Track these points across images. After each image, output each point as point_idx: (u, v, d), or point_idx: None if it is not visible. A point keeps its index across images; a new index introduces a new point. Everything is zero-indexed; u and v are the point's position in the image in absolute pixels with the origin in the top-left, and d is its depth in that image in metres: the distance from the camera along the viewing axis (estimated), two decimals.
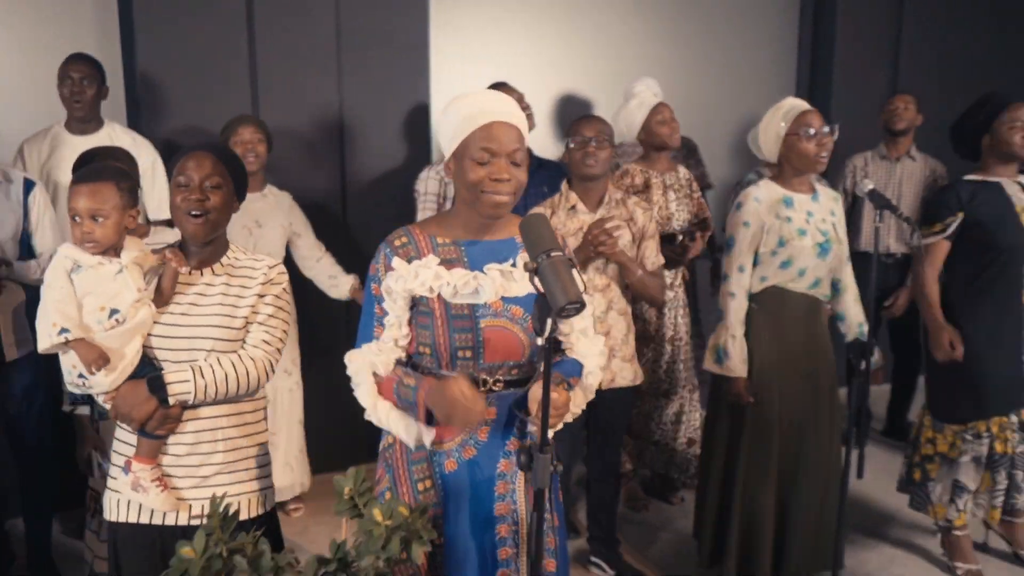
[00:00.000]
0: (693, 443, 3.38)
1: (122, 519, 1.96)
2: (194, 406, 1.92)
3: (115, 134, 3.28)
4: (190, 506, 1.94)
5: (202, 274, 1.98)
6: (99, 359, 1.84)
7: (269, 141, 3.38)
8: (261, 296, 1.97)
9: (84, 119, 3.22)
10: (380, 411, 1.73)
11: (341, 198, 3.95)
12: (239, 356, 1.93)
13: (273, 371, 2.00)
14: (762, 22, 4.96)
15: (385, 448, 1.90)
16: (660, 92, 3.80)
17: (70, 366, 1.89)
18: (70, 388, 1.94)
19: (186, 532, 1.90)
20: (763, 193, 2.70)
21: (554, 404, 1.59)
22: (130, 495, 1.92)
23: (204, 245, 1.98)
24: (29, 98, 3.57)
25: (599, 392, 1.93)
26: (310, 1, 3.75)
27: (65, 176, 3.15)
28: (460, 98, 1.77)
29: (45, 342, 1.86)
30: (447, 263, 1.74)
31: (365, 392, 1.74)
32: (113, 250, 1.94)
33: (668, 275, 3.20)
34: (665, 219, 3.21)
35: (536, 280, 1.46)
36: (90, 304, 1.89)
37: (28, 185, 2.87)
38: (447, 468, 1.76)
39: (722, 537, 2.80)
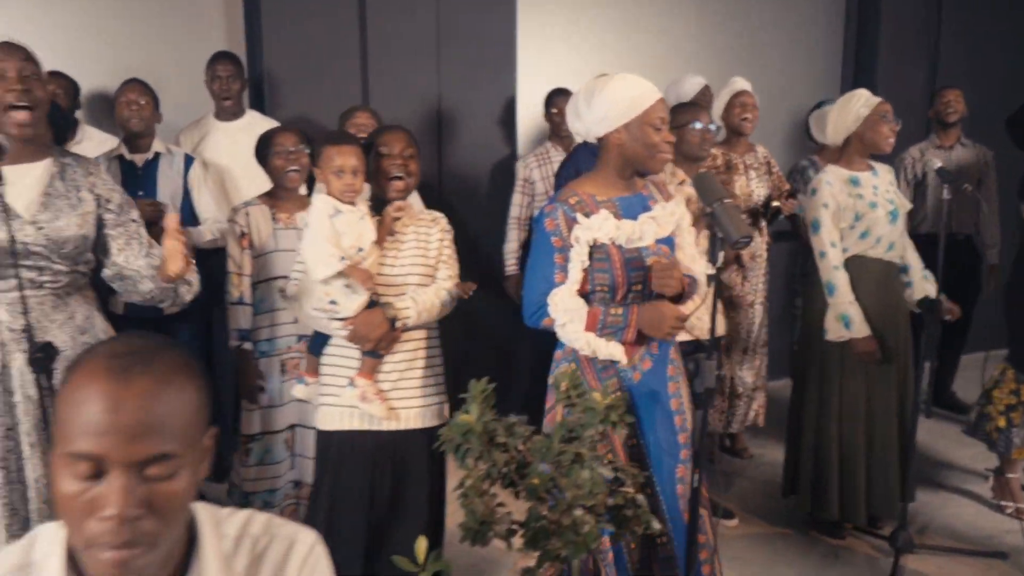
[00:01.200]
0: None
1: (340, 428, 2.38)
2: (406, 329, 2.33)
3: (255, 120, 3.71)
4: (399, 414, 2.37)
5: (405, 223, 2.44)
6: (369, 278, 2.27)
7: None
8: (441, 240, 2.43)
9: (230, 109, 3.65)
10: (588, 340, 2.11)
11: (438, 181, 4.35)
12: (436, 288, 2.38)
13: (456, 301, 2.44)
14: (808, 19, 5.34)
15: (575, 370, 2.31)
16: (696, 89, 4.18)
17: (323, 293, 2.29)
18: (316, 313, 2.34)
19: (394, 436, 2.33)
20: (832, 176, 3.08)
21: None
22: (351, 406, 2.35)
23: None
24: (173, 89, 3.99)
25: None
26: (415, 1, 4.16)
27: (214, 156, 3.60)
28: (618, 80, 2.18)
29: (328, 269, 2.24)
30: (614, 216, 2.14)
31: (576, 327, 2.11)
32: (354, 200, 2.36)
33: (756, 242, 3.58)
34: (747, 196, 3.59)
35: (712, 218, 1.86)
36: (344, 242, 2.30)
37: (188, 160, 3.31)
38: (634, 379, 2.17)
39: (819, 479, 3.13)
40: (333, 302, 2.30)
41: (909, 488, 3.07)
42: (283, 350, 2.91)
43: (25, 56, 1.99)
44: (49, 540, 1.00)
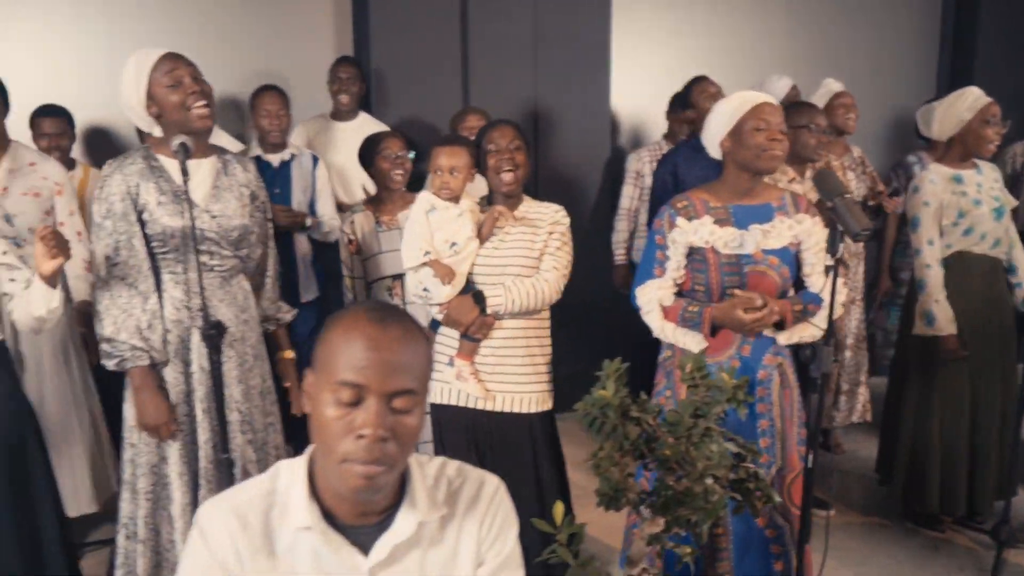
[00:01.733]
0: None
1: (445, 402, 2.57)
2: (501, 317, 2.49)
3: (366, 122, 3.94)
4: (495, 396, 2.53)
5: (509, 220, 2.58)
6: (449, 274, 2.45)
7: None
8: (550, 233, 2.55)
9: (347, 110, 3.89)
10: (667, 329, 2.27)
11: (534, 178, 4.51)
12: (536, 278, 2.51)
13: (560, 292, 2.57)
14: (902, 14, 5.31)
15: (664, 360, 2.44)
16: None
17: (416, 282, 2.49)
18: (412, 299, 2.55)
19: (490, 417, 2.53)
20: (935, 175, 3.11)
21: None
22: (453, 383, 2.53)
23: (508, 197, 2.56)
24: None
25: None
26: (513, 6, 4.33)
27: (328, 154, 3.82)
28: (724, 99, 2.34)
29: (414, 260, 2.46)
30: (719, 222, 2.28)
31: (655, 316, 2.28)
32: (456, 198, 2.54)
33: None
34: None
35: (833, 213, 1.97)
36: (439, 237, 2.50)
37: (314, 160, 3.55)
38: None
39: (917, 473, 3.18)
40: (426, 289, 2.49)
41: (1012, 483, 3.08)
42: None
43: (189, 62, 2.24)
44: (290, 471, 1.19)
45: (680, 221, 2.27)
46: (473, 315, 2.45)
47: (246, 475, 2.25)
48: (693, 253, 2.29)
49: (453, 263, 2.48)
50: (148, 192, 2.21)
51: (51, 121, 3.36)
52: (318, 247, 3.62)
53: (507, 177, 2.51)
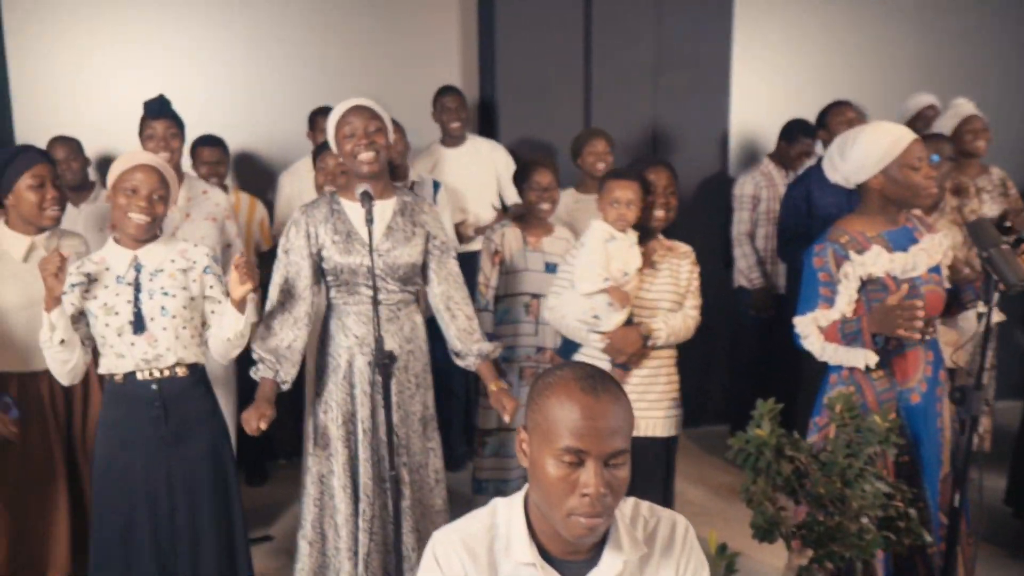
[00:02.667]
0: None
1: None
2: (655, 347, 2.63)
3: (477, 143, 4.12)
4: (639, 424, 2.65)
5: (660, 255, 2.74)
6: (626, 299, 2.58)
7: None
8: (690, 272, 2.70)
9: (456, 135, 4.07)
10: (828, 350, 2.31)
11: None
12: (684, 314, 2.66)
13: (696, 327, 2.68)
14: None
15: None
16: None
17: (587, 308, 2.61)
18: (579, 324, 2.67)
19: (634, 443, 2.63)
20: None
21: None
22: None
23: (651, 233, 2.71)
24: (407, 114, 4.49)
25: None
26: (636, 30, 4.43)
27: (445, 179, 3.96)
28: (870, 129, 2.34)
29: (593, 285, 2.58)
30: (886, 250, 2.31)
31: (813, 340, 2.32)
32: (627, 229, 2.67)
33: None
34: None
35: (989, 263, 2.01)
36: (613, 265, 2.62)
37: (435, 186, 3.75)
38: (912, 400, 2.32)
39: None
40: (596, 316, 2.61)
41: None
42: (522, 359, 3.29)
43: (371, 115, 2.43)
44: (508, 509, 1.35)
45: (852, 255, 2.29)
46: (637, 345, 2.59)
47: (398, 494, 2.38)
48: (868, 283, 2.29)
49: (626, 287, 2.63)
50: (326, 233, 2.44)
51: (210, 150, 3.63)
52: None
53: (659, 214, 2.67)
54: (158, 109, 3.01)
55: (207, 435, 2.35)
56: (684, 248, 2.74)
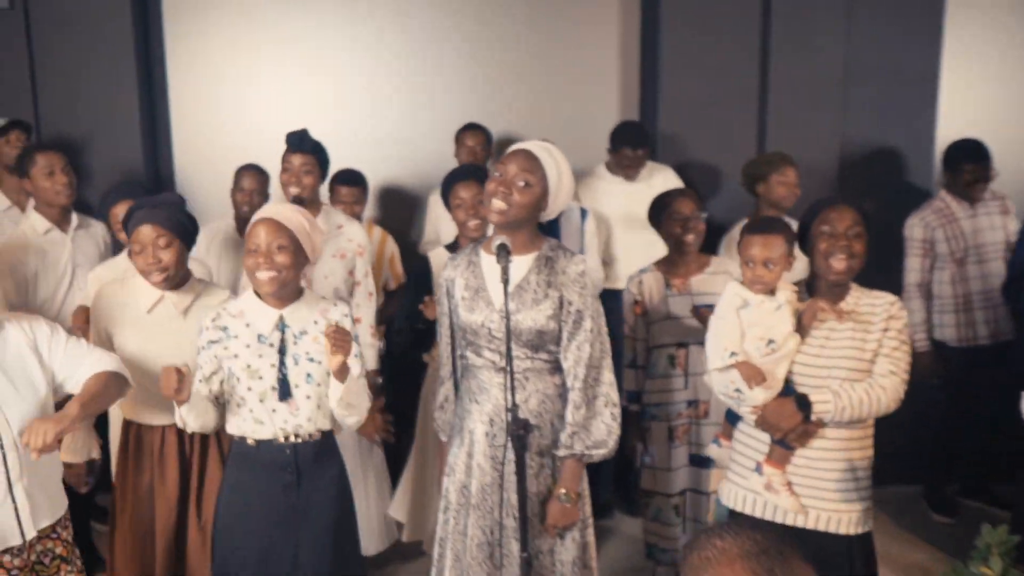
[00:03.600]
0: None
1: (748, 512, 2.28)
2: (825, 424, 2.16)
3: (651, 170, 3.71)
4: (808, 512, 2.20)
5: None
6: (758, 376, 2.16)
7: None
8: (885, 331, 2.17)
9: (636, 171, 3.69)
10: None
11: None
12: (870, 383, 2.14)
13: (900, 400, 2.16)
14: None
15: None
16: None
17: (728, 382, 2.21)
18: (722, 398, 2.28)
19: (801, 534, 2.19)
20: None
21: None
22: (760, 493, 2.25)
23: (835, 286, 2.21)
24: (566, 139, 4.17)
25: None
26: (821, 38, 3.86)
27: (605, 209, 3.63)
28: None
29: (719, 361, 2.21)
30: None
31: None
32: (772, 290, 2.24)
33: None
34: None
35: None
36: (752, 334, 2.21)
37: (583, 213, 3.39)
38: None
39: None
40: (738, 390, 2.20)
41: None
42: (673, 416, 2.90)
43: (528, 165, 2.06)
44: None
45: None
46: (795, 421, 2.16)
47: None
48: None
49: (770, 362, 2.20)
50: (460, 286, 2.18)
51: (347, 189, 3.46)
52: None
53: (839, 266, 2.19)
54: (297, 143, 2.89)
55: (335, 505, 2.22)
56: (878, 300, 2.21)
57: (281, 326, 2.14)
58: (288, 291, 2.14)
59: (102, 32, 3.61)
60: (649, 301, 2.89)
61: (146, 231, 2.24)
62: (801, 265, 2.36)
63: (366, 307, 3.05)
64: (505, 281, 1.93)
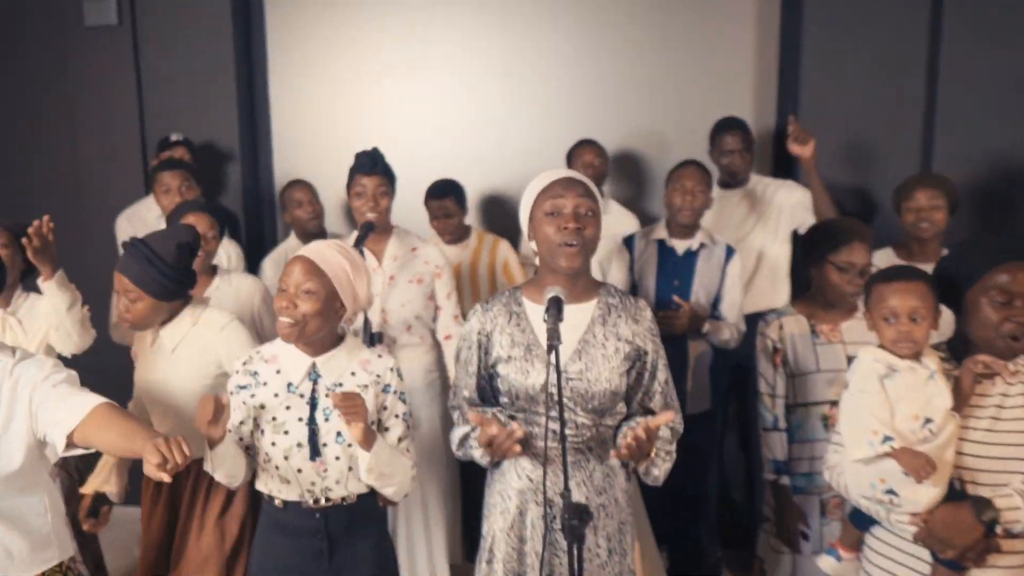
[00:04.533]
0: None
1: None
2: (1017, 536, 1.65)
3: (758, 181, 3.25)
4: None
5: (994, 383, 1.73)
6: (926, 467, 1.66)
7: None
8: None
9: (736, 180, 3.25)
10: None
11: None
12: None
13: None
14: None
15: None
16: None
17: (873, 480, 1.73)
18: (861, 501, 1.79)
19: None
20: None
21: None
22: None
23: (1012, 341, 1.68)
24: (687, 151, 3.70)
25: None
26: (1008, 37, 3.17)
27: (714, 228, 3.16)
28: None
29: (866, 450, 1.74)
30: None
31: None
32: (919, 353, 1.74)
33: None
34: None
35: None
36: (902, 411, 1.72)
37: (729, 252, 2.92)
38: None
39: None
40: (890, 491, 1.70)
41: None
42: (823, 488, 2.37)
43: (584, 189, 1.75)
44: None
45: None
46: (974, 535, 1.67)
47: None
48: None
49: (931, 450, 1.69)
50: (501, 343, 1.82)
51: (439, 203, 3.22)
52: (720, 356, 2.98)
53: (1007, 327, 1.66)
54: (370, 164, 2.64)
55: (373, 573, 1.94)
56: None
57: (313, 375, 1.87)
58: (322, 337, 1.87)
59: (205, 48, 3.57)
60: (792, 351, 2.38)
61: (119, 279, 2.10)
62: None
63: (455, 332, 2.79)
64: (551, 348, 1.54)
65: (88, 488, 2.20)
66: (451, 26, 3.73)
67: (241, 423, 1.89)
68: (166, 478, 1.47)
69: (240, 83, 3.65)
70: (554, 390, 1.71)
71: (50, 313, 2.38)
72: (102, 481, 2.19)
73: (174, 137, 3.40)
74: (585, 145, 3.38)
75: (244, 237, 3.68)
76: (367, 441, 1.76)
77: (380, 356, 1.93)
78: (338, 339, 1.92)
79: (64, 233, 3.56)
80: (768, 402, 2.42)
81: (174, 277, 2.10)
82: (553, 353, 1.55)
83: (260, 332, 2.58)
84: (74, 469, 2.58)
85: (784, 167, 3.54)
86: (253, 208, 3.81)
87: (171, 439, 1.50)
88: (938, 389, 1.70)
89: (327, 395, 1.86)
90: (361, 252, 2.54)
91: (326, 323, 1.85)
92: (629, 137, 3.69)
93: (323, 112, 3.83)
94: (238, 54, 3.62)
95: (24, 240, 2.29)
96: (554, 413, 1.73)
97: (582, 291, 1.78)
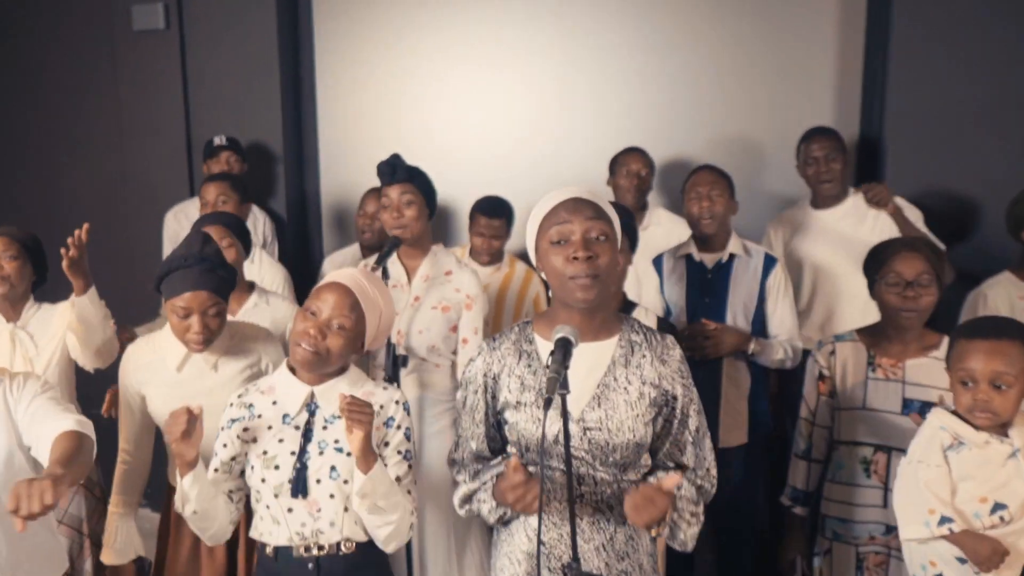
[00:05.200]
0: None
1: None
2: None
3: (859, 204, 2.86)
4: None
5: None
6: (996, 557, 1.41)
7: None
8: None
9: (829, 194, 2.89)
10: None
11: None
12: None
13: None
14: None
15: None
16: None
17: (927, 562, 1.44)
18: None
19: None
20: None
21: None
22: None
23: None
24: (767, 165, 3.38)
25: None
26: None
27: (808, 252, 2.87)
28: None
29: (920, 530, 1.49)
30: None
31: None
32: (1004, 425, 1.43)
33: None
34: None
35: None
36: (967, 490, 1.47)
37: (768, 262, 2.64)
38: None
39: None
40: None
41: None
42: (862, 539, 2.12)
43: (596, 213, 1.51)
44: None
45: None
46: None
47: None
48: None
49: (1003, 536, 1.43)
50: (509, 386, 1.60)
51: (489, 221, 3.01)
52: (758, 371, 2.67)
53: None
54: (390, 172, 2.44)
55: None
56: None
57: (311, 406, 1.71)
58: (326, 368, 1.71)
59: (252, 52, 3.48)
60: (841, 380, 2.13)
61: (198, 298, 1.93)
62: None
63: None
64: (549, 395, 1.31)
65: (113, 559, 2.08)
66: (509, 24, 3.50)
67: (233, 459, 1.73)
68: (18, 526, 1.36)
69: (286, 86, 3.54)
70: (570, 440, 1.48)
71: (79, 329, 2.29)
72: (124, 546, 2.08)
73: (217, 141, 3.30)
74: (631, 153, 3.11)
75: (289, 243, 3.58)
76: (365, 457, 1.57)
77: (385, 388, 1.76)
78: (341, 367, 1.75)
79: (110, 235, 3.59)
80: (805, 428, 2.22)
81: (230, 274, 2.00)
82: (560, 403, 1.33)
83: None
84: (97, 487, 2.50)
85: (869, 181, 3.18)
86: (299, 213, 3.71)
87: (35, 483, 1.38)
88: (1016, 471, 1.42)
89: (324, 427, 1.68)
90: (384, 271, 2.35)
91: (344, 359, 1.69)
92: (682, 145, 3.39)
93: (372, 116, 3.67)
94: (283, 57, 3.52)
95: (62, 250, 2.20)
96: (563, 467, 1.50)
97: (601, 327, 1.55)
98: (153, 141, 3.44)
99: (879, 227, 2.79)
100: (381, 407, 1.71)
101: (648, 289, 2.71)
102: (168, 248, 3.32)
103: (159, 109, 3.54)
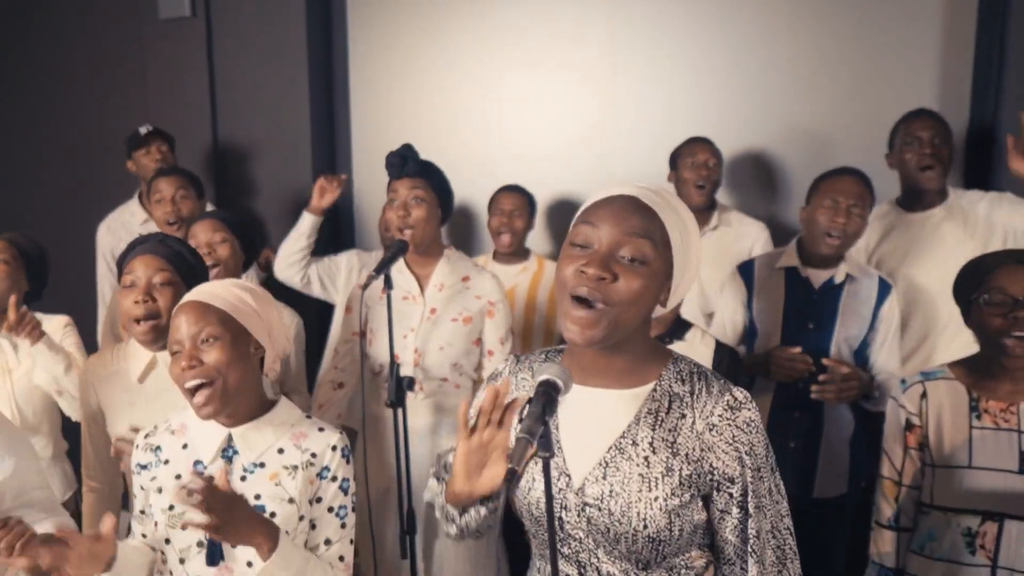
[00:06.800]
0: None
1: None
2: None
3: (963, 206, 2.41)
4: None
5: None
6: None
7: None
8: None
9: (932, 188, 2.42)
10: None
11: None
12: None
13: None
14: None
15: None
16: None
17: None
18: None
19: None
20: None
21: None
22: None
23: None
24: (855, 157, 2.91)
25: None
26: None
27: (898, 263, 2.41)
28: None
29: None
30: None
31: None
32: None
33: None
34: None
35: None
36: None
37: (883, 288, 2.18)
38: None
39: None
40: None
41: None
42: None
43: (638, 228, 1.10)
44: None
45: None
46: None
47: None
48: None
49: None
50: (516, 422, 1.21)
51: (510, 197, 2.76)
52: (860, 412, 2.23)
53: None
54: (399, 165, 2.12)
55: None
56: None
57: (227, 451, 1.41)
58: (244, 403, 1.40)
59: (280, 40, 3.23)
60: (936, 431, 1.70)
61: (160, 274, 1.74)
62: None
63: None
64: (514, 465, 0.93)
65: None
66: (554, 14, 3.14)
67: (142, 512, 1.45)
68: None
69: (315, 76, 3.28)
70: (567, 516, 1.13)
71: (48, 381, 2.10)
72: None
73: (144, 130, 2.97)
74: (696, 143, 2.68)
75: (319, 244, 3.32)
76: (254, 544, 1.28)
77: (321, 430, 1.44)
78: (266, 405, 1.44)
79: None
80: (889, 491, 1.77)
81: (196, 259, 1.80)
82: (545, 468, 0.97)
83: (284, 370, 2.18)
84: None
85: (978, 181, 2.68)
86: (329, 214, 3.44)
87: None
88: None
89: (243, 478, 1.38)
90: (387, 276, 2.03)
91: (246, 374, 1.38)
92: (769, 138, 2.96)
93: (409, 111, 3.36)
94: (313, 46, 3.26)
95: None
96: (564, 549, 1.13)
97: (628, 369, 1.15)
98: (179, 129, 3.23)
99: (989, 238, 2.31)
100: (313, 456, 1.40)
101: (726, 300, 2.30)
102: (102, 265, 2.98)
103: (185, 98, 3.35)
